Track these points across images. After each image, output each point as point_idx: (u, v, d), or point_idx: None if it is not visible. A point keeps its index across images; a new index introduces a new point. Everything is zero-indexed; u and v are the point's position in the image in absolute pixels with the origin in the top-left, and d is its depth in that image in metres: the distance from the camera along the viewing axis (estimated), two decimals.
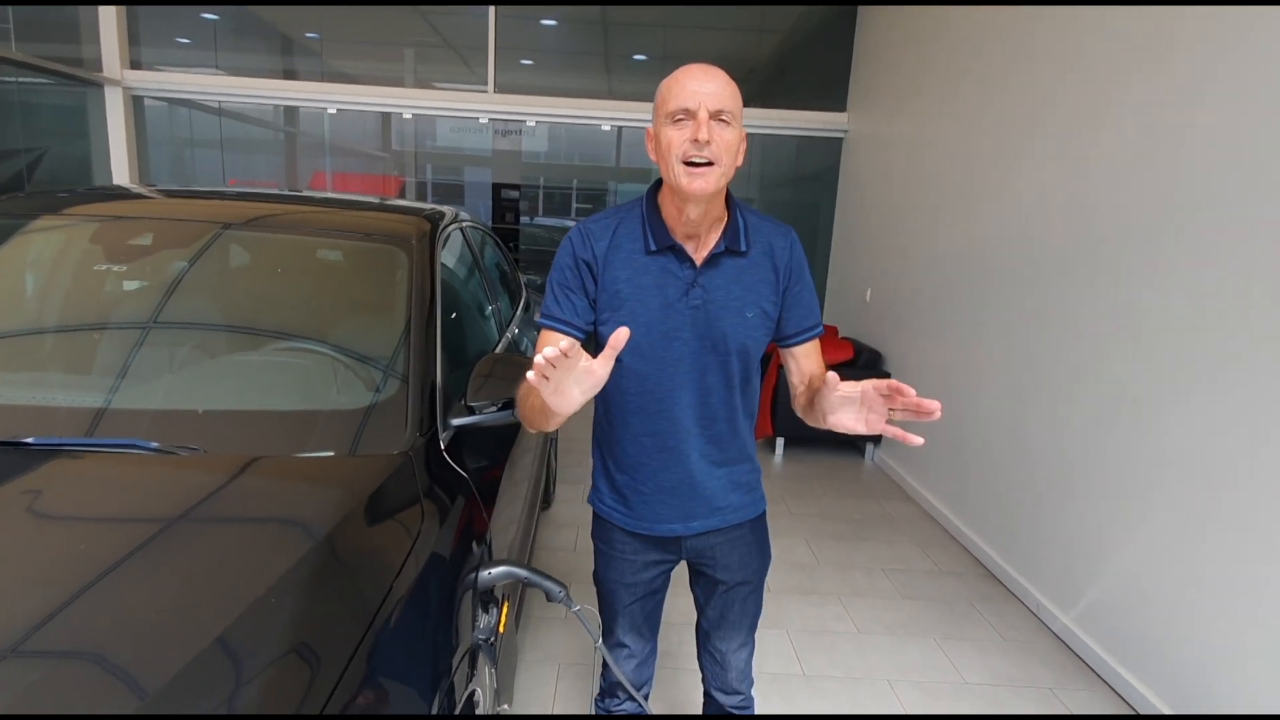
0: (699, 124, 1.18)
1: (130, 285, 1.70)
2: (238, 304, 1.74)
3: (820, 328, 1.42)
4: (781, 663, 2.51)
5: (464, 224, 2.60)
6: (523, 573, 1.36)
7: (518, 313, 2.95)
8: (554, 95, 5.67)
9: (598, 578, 1.57)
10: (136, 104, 5.20)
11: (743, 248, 1.31)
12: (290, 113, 6.08)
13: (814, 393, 1.28)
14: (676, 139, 1.20)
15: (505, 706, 1.47)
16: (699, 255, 1.31)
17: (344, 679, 0.91)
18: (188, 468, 1.26)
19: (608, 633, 1.59)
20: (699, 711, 1.81)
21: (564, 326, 1.32)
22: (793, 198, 6.17)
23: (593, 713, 1.68)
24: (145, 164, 5.32)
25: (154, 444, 1.28)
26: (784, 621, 2.76)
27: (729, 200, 1.34)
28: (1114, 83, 2.67)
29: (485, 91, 5.50)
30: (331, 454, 1.38)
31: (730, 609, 1.56)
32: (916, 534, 3.64)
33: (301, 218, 2.03)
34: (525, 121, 5.95)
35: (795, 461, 4.64)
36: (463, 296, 2.30)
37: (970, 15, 3.71)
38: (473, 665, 1.32)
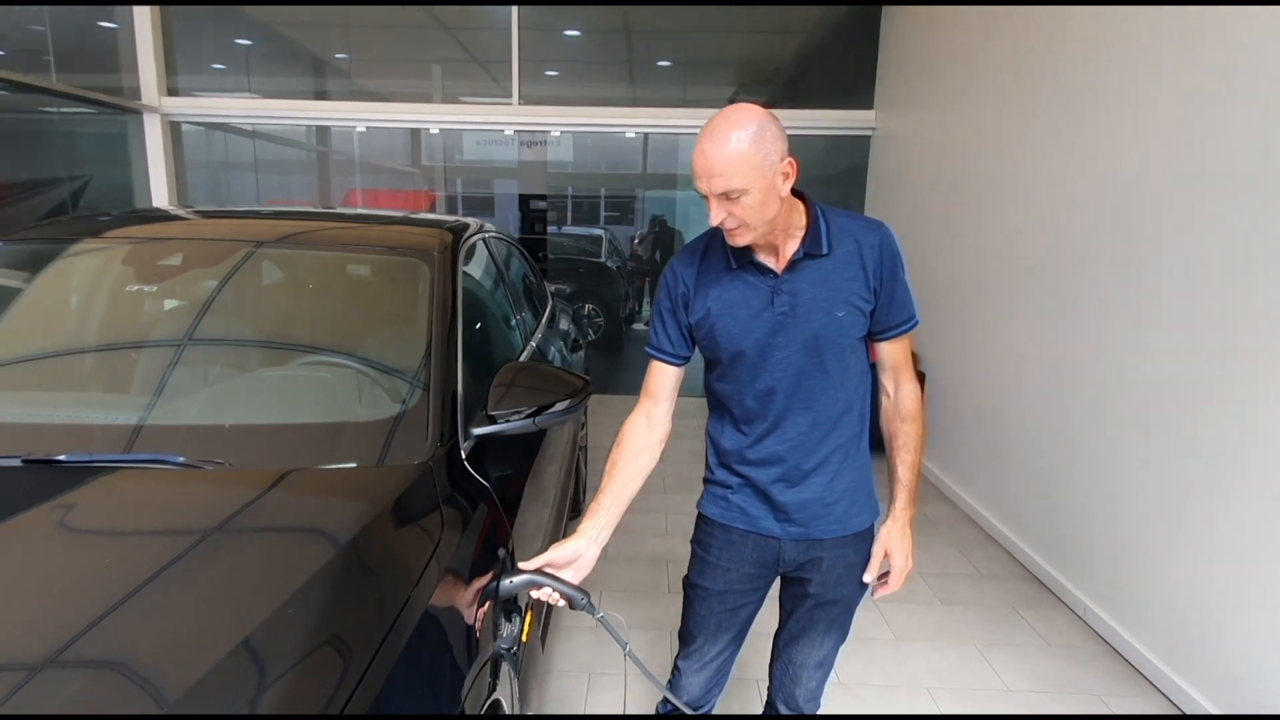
0: (711, 207, 1.25)
1: (158, 304, 1.75)
2: (263, 320, 1.77)
3: (914, 321, 1.41)
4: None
5: (487, 235, 2.62)
6: (543, 579, 1.35)
7: (542, 322, 2.96)
8: (578, 105, 5.70)
9: (688, 583, 1.58)
10: (174, 130, 5.36)
11: (824, 250, 1.33)
12: (322, 133, 6.21)
13: (891, 437, 1.46)
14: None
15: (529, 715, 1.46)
16: (781, 264, 1.33)
17: (362, 684, 0.91)
18: (213, 482, 1.28)
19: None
20: None
21: (662, 355, 1.46)
22: (822, 198, 6.08)
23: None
24: (184, 188, 5.49)
25: (180, 459, 1.31)
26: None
27: (809, 206, 1.36)
28: (1147, 72, 2.59)
29: (510, 104, 5.55)
30: (353, 465, 1.39)
31: (815, 626, 1.54)
32: (955, 536, 3.55)
33: (326, 234, 2.06)
34: (550, 132, 6.00)
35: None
36: (486, 307, 2.31)
37: (999, 9, 3.63)
38: (495, 674, 1.32)
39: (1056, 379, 3.07)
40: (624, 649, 1.38)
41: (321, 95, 6.05)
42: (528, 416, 1.63)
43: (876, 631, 2.71)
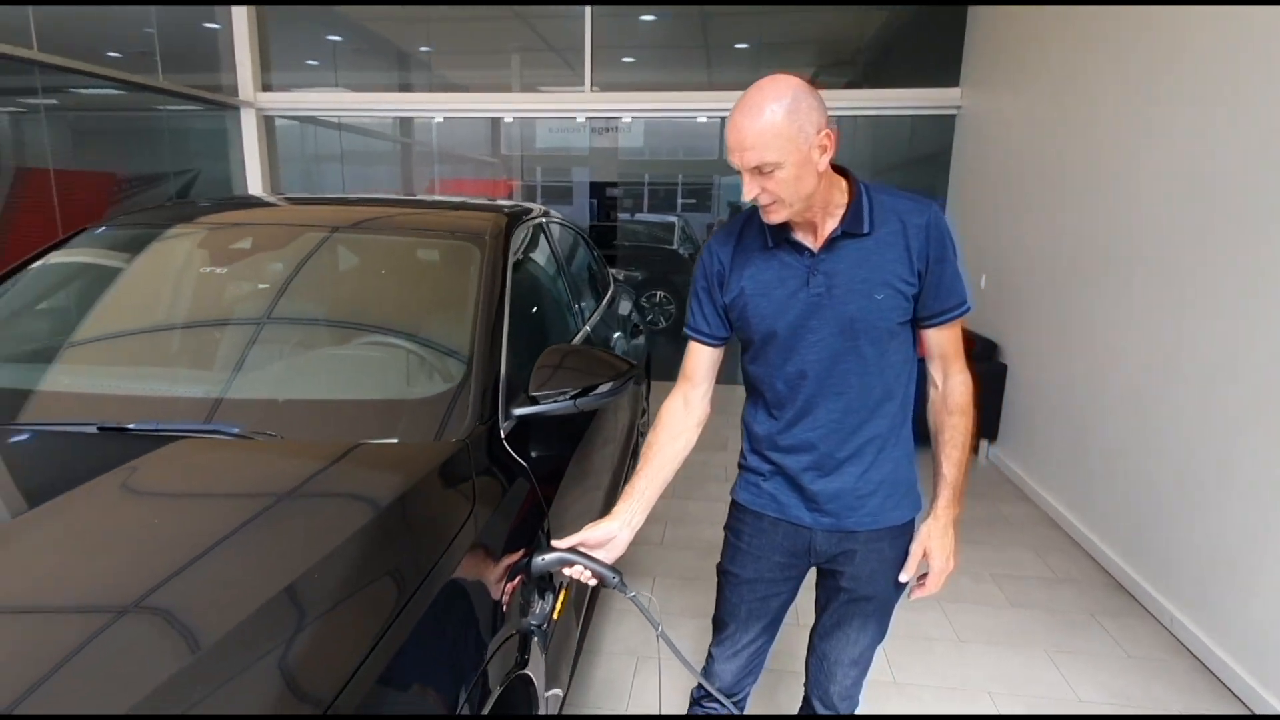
0: (744, 182, 1.21)
1: (226, 286, 1.86)
2: (322, 301, 1.85)
3: (965, 307, 1.33)
4: (872, 669, 2.38)
5: (545, 220, 2.65)
6: (576, 557, 1.36)
7: (600, 308, 2.98)
8: (652, 90, 5.68)
9: (720, 569, 1.56)
10: (268, 124, 5.67)
11: (865, 229, 1.27)
12: (405, 124, 6.43)
13: (937, 431, 1.40)
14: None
15: (557, 692, 1.48)
16: (818, 243, 1.29)
17: (383, 640, 0.95)
18: (261, 451, 1.35)
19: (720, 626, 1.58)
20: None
21: (698, 336, 1.43)
22: (906, 181, 5.87)
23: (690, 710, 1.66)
24: (276, 179, 5.81)
25: (235, 429, 1.39)
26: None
27: (852, 183, 1.30)
28: (1252, 54, 2.35)
29: (582, 91, 5.59)
30: (394, 440, 1.44)
31: (849, 621, 1.49)
32: (1032, 537, 3.37)
33: (387, 219, 2.13)
34: (621, 118, 6.00)
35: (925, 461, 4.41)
36: (540, 290, 2.34)
37: None
38: (524, 650, 1.34)
39: (1149, 375, 2.85)
40: (656, 630, 1.38)
41: (405, 87, 6.25)
42: (569, 398, 1.64)
43: (938, 631, 2.61)
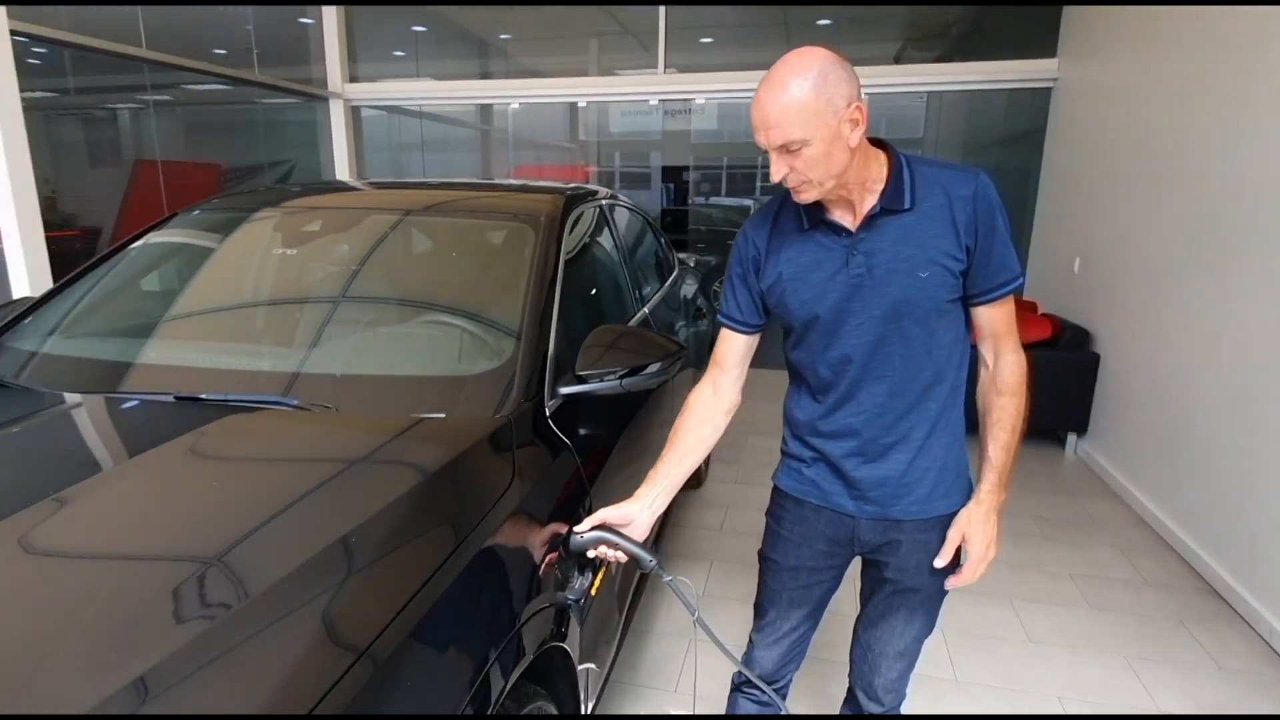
0: (772, 160, 1.17)
1: (296, 266, 1.96)
2: (380, 281, 1.92)
3: (1017, 281, 1.25)
4: (931, 664, 2.31)
5: (607, 203, 2.66)
6: (614, 537, 1.37)
7: (661, 291, 2.97)
8: (728, 70, 5.58)
9: (761, 555, 1.54)
10: (355, 114, 5.91)
11: (906, 204, 1.21)
12: (485, 111, 6.57)
13: (985, 412, 1.32)
14: None
15: (591, 666, 1.50)
16: (856, 222, 1.24)
17: (418, 596, 1.01)
18: (316, 422, 1.42)
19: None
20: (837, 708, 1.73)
21: (730, 323, 1.40)
22: (999, 161, 5.57)
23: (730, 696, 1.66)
24: (362, 168, 6.05)
25: (294, 401, 1.47)
26: (939, 621, 2.52)
27: (891, 156, 1.24)
28: None
29: (655, 73, 5.56)
30: (442, 415, 1.48)
31: (894, 613, 1.45)
32: (1120, 538, 3.16)
33: (449, 202, 2.19)
34: (694, 99, 5.94)
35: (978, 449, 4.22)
36: (596, 272, 2.35)
37: None
38: (561, 623, 1.36)
39: (1252, 368, 2.62)
40: (694, 615, 1.37)
41: (484, 75, 6.38)
42: (616, 378, 1.65)
43: (1007, 631, 2.49)
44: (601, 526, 1.34)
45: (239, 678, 0.83)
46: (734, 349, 1.41)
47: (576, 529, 1.36)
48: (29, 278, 3.26)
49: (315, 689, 0.83)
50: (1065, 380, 3.97)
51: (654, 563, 1.35)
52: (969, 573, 1.32)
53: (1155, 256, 3.40)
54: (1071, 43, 4.73)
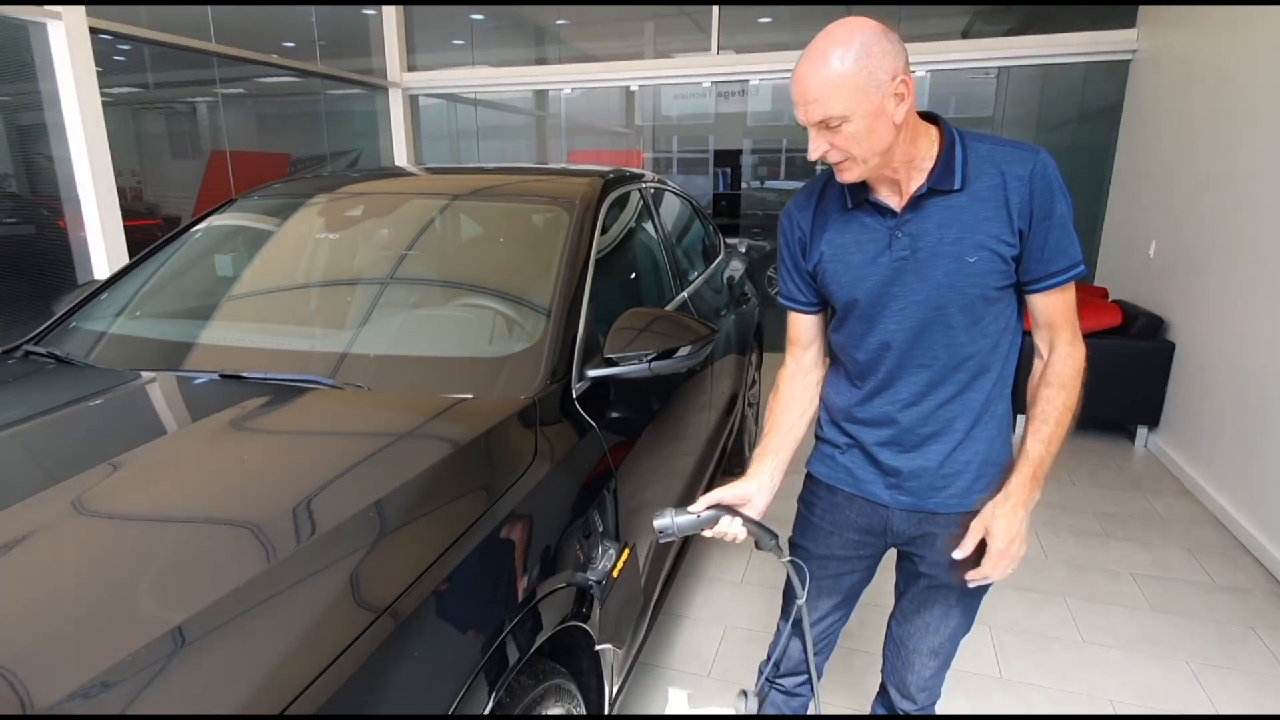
0: (811, 137, 1.13)
1: (335, 250, 2.02)
2: (417, 264, 1.97)
3: (1077, 269, 1.18)
4: (977, 661, 2.24)
5: (649, 186, 2.64)
6: (738, 515, 1.29)
7: (705, 274, 2.94)
8: (784, 50, 5.46)
9: (791, 542, 1.51)
10: (413, 103, 6.03)
11: (955, 184, 1.15)
12: (540, 97, 6.60)
13: (1031, 404, 1.25)
14: None
15: (611, 647, 1.51)
16: (902, 201, 1.19)
17: (435, 565, 1.05)
18: (350, 401, 1.47)
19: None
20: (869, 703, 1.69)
21: (793, 304, 1.39)
22: (1074, 139, 5.28)
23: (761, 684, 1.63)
24: (419, 156, 6.17)
25: (329, 380, 1.52)
26: (987, 617, 2.45)
27: (945, 133, 1.18)
28: None
29: (709, 54, 5.48)
30: (470, 396, 1.51)
31: (929, 609, 1.41)
32: (1190, 538, 2.98)
33: (488, 186, 2.22)
34: (748, 81, 5.83)
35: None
36: (634, 256, 2.34)
37: None
38: (581, 604, 1.38)
39: None
40: (801, 599, 1.33)
41: (540, 61, 6.41)
42: (644, 362, 1.64)
43: (1060, 630, 2.39)
44: (728, 506, 1.29)
45: (264, 629, 0.88)
46: (805, 328, 1.40)
47: (691, 508, 1.28)
48: (109, 265, 3.46)
49: (340, 640, 0.89)
50: (1136, 370, 3.75)
51: (774, 542, 1.29)
52: (989, 567, 1.24)
53: (1241, 241, 3.17)
54: (1152, 12, 4.44)
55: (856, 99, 1.06)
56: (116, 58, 4.21)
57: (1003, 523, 1.22)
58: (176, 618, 0.88)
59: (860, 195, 1.22)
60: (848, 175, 1.16)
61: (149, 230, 4.55)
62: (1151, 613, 2.49)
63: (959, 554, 1.27)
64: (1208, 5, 3.63)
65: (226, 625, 0.88)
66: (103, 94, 3.36)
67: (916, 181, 1.17)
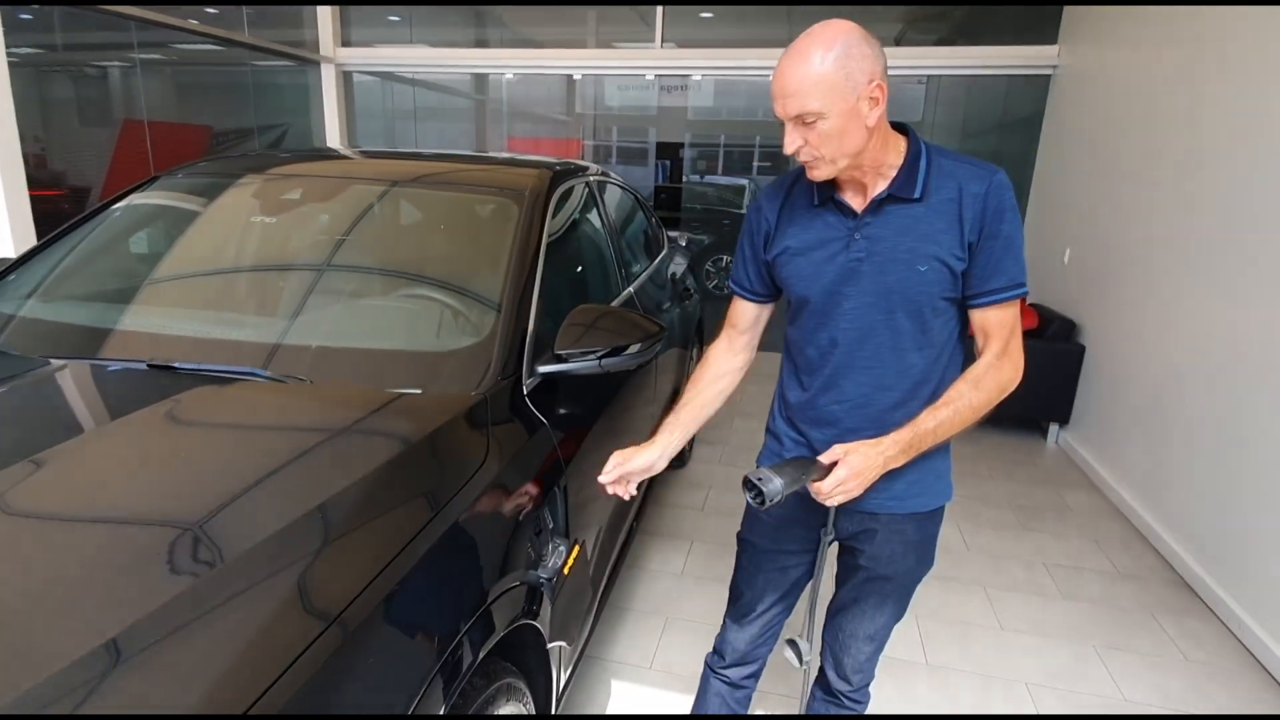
0: (786, 132, 1.16)
1: (273, 234, 1.93)
2: (360, 252, 1.90)
3: (1019, 289, 1.21)
4: (904, 648, 2.34)
5: (595, 179, 2.63)
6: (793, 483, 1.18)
7: (649, 269, 2.95)
8: (726, 46, 5.50)
9: (739, 537, 1.55)
10: (347, 79, 5.81)
11: (916, 194, 1.19)
12: (480, 81, 6.47)
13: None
14: None
15: (563, 644, 1.51)
16: (864, 205, 1.23)
17: (384, 573, 1.01)
18: (290, 395, 1.41)
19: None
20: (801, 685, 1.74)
21: (741, 291, 1.42)
22: (997, 148, 5.53)
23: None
24: (353, 134, 5.96)
25: (265, 373, 1.45)
26: (913, 606, 2.51)
27: (911, 143, 1.22)
28: None
29: (652, 47, 5.47)
30: (418, 391, 1.47)
31: (866, 598, 1.47)
32: (1096, 529, 3.19)
33: (433, 174, 2.16)
34: (691, 76, 5.86)
35: (963, 438, 4.24)
36: (580, 250, 2.33)
37: None
38: (533, 601, 1.37)
39: (1240, 366, 2.63)
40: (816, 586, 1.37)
41: (481, 44, 6.27)
42: (595, 359, 1.64)
43: (980, 618, 2.52)
44: (794, 472, 1.19)
45: (209, 641, 0.83)
46: (745, 314, 1.44)
47: (774, 480, 1.16)
48: (13, 238, 3.22)
49: (286, 654, 0.84)
50: (1050, 371, 3.98)
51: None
52: (826, 486, 1.18)
53: (1148, 250, 3.40)
54: (1072, 30, 4.68)
55: (832, 97, 1.10)
56: (23, 15, 3.90)
57: (857, 459, 1.18)
58: (96, 639, 0.80)
59: (826, 193, 1.26)
60: (818, 173, 1.19)
61: (53, 201, 4.24)
62: (1062, 600, 2.65)
63: (825, 459, 1.22)
64: (1128, 5, 3.86)
65: (161, 642, 0.81)
66: (8, 54, 3.11)
67: (879, 186, 1.22)
